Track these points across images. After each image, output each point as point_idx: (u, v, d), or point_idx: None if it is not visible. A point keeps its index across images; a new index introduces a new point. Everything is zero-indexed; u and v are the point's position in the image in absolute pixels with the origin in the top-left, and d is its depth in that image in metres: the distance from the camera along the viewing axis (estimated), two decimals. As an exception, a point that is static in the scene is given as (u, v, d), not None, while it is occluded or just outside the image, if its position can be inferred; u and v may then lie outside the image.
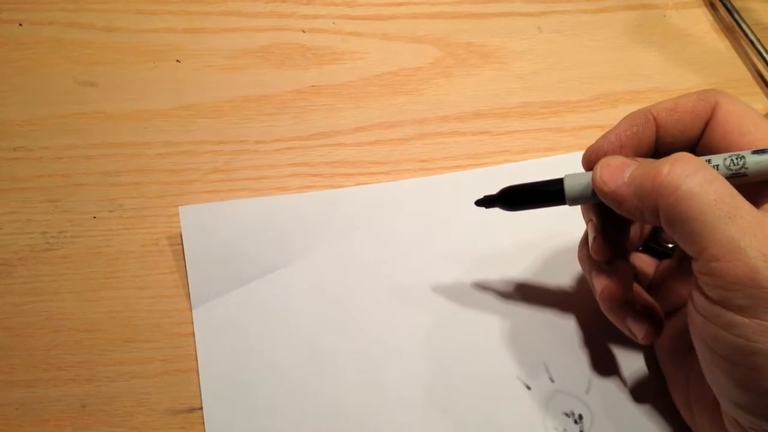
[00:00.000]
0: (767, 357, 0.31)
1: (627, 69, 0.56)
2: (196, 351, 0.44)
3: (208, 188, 0.49)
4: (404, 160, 0.51)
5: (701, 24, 0.59)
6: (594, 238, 0.39)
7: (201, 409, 0.42)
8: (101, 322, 0.44)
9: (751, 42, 0.56)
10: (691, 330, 0.35)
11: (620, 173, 0.35)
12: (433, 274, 0.47)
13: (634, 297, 0.41)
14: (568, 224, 0.45)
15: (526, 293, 0.46)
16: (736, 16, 0.57)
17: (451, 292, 0.46)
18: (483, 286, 0.46)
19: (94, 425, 0.42)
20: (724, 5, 0.58)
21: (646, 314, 0.40)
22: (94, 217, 0.47)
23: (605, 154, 0.38)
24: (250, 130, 0.51)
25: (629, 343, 0.43)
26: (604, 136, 0.38)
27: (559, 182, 0.38)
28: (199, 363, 0.43)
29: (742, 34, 0.57)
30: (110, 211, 0.47)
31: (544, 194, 0.39)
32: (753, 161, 0.34)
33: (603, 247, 0.39)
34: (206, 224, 0.47)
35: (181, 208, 0.47)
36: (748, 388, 0.33)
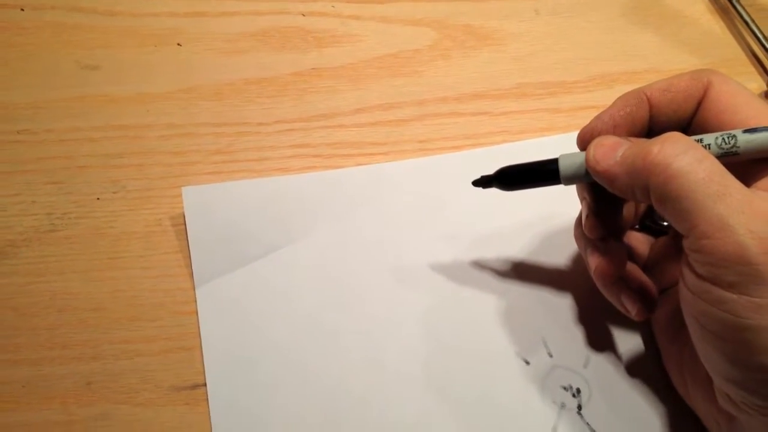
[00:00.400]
0: (756, 332, 0.31)
1: (623, 50, 0.56)
2: (199, 329, 0.44)
3: (210, 169, 0.49)
4: (403, 141, 0.51)
5: (696, 5, 0.59)
6: (587, 216, 0.40)
7: (205, 385, 0.43)
8: (106, 302, 0.45)
9: (746, 23, 0.57)
10: (682, 306, 0.36)
11: (613, 152, 0.36)
12: (433, 253, 0.47)
13: (627, 274, 0.42)
14: (565, 204, 0.45)
15: (525, 271, 0.47)
16: (731, -3, 0.58)
17: (450, 271, 0.47)
18: (482, 265, 0.47)
19: (100, 402, 0.42)
20: (719, -14, 0.59)
21: (639, 291, 0.41)
22: (98, 199, 0.48)
23: (599, 134, 0.38)
24: (252, 112, 0.52)
25: (625, 320, 0.44)
26: (597, 117, 0.39)
27: (554, 162, 0.39)
28: (202, 341, 0.44)
29: (736, 15, 0.58)
30: (114, 193, 0.48)
31: (539, 174, 0.40)
32: (744, 140, 0.35)
33: (596, 225, 0.40)
34: (209, 204, 0.47)
35: (184, 189, 0.47)
36: (737, 363, 0.33)
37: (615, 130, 0.38)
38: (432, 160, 0.50)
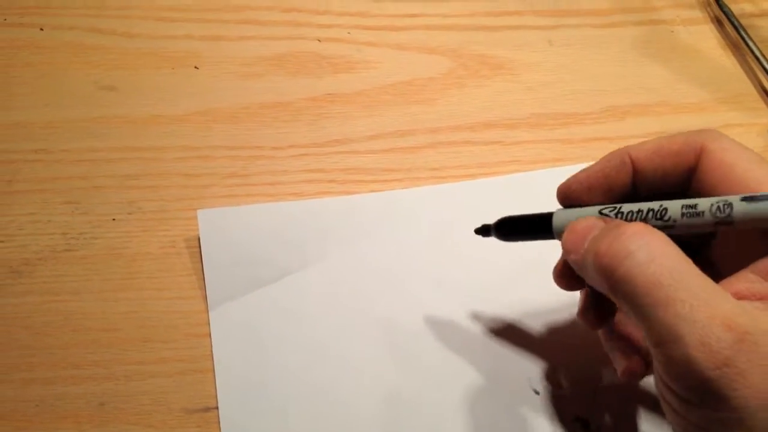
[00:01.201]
0: None
1: (635, 83, 0.57)
2: (212, 352, 0.44)
3: (224, 192, 0.50)
4: (417, 168, 0.52)
5: (708, 40, 0.60)
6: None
7: (216, 408, 0.43)
8: (119, 322, 0.45)
9: (757, 58, 0.57)
10: None
11: (582, 241, 0.33)
12: (444, 280, 0.47)
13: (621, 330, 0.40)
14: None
15: (536, 299, 0.47)
16: (742, 32, 0.59)
17: (461, 298, 0.47)
18: (493, 292, 0.47)
19: (112, 422, 0.42)
20: (731, 22, 0.59)
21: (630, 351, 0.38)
22: (114, 219, 0.48)
23: (573, 193, 0.37)
24: (266, 137, 0.52)
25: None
26: (576, 175, 0.37)
27: (550, 217, 0.38)
28: (215, 363, 0.44)
29: (747, 51, 0.58)
30: (129, 214, 0.48)
31: (535, 226, 0.38)
32: (740, 210, 0.31)
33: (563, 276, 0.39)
34: (223, 228, 0.47)
35: (199, 212, 0.48)
36: None
37: (589, 192, 0.36)
38: (445, 188, 0.51)
